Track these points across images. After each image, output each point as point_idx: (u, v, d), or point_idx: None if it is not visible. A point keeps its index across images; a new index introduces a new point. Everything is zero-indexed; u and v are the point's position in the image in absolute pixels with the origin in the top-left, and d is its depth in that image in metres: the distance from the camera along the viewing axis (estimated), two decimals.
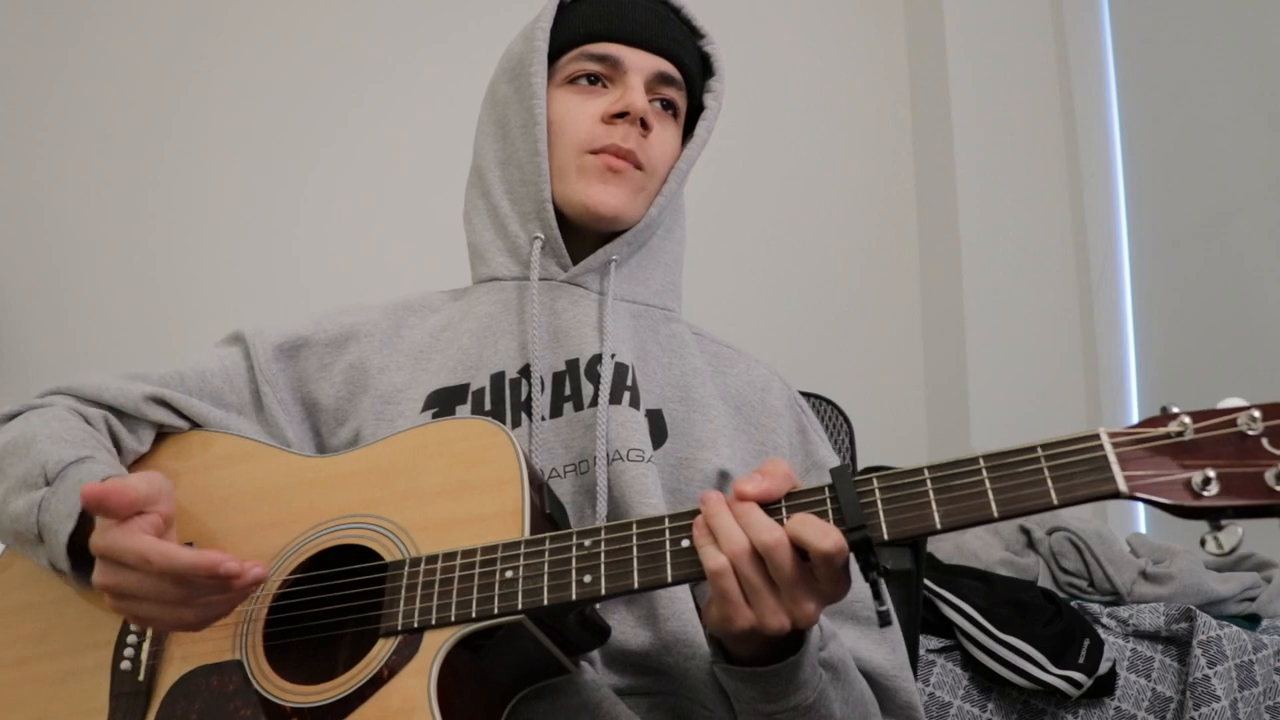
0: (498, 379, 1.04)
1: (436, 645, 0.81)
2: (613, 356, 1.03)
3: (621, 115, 1.06)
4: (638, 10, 1.12)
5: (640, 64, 1.09)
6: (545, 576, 0.81)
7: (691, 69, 1.13)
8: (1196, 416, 0.70)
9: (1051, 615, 1.92)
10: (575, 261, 1.09)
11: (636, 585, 0.79)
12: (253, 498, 0.95)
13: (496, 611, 0.81)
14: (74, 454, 0.92)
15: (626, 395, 1.02)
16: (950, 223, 2.92)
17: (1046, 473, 0.72)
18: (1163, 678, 1.90)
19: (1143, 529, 2.51)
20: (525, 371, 1.04)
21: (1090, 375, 2.83)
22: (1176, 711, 1.87)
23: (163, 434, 1.04)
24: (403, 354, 1.09)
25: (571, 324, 1.05)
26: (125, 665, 0.90)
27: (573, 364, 1.04)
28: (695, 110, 1.15)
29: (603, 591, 0.79)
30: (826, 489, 0.78)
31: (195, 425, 1.04)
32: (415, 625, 0.83)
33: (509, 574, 0.81)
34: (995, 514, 0.73)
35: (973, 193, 2.91)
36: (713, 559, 0.77)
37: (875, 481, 0.77)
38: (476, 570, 0.83)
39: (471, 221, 1.15)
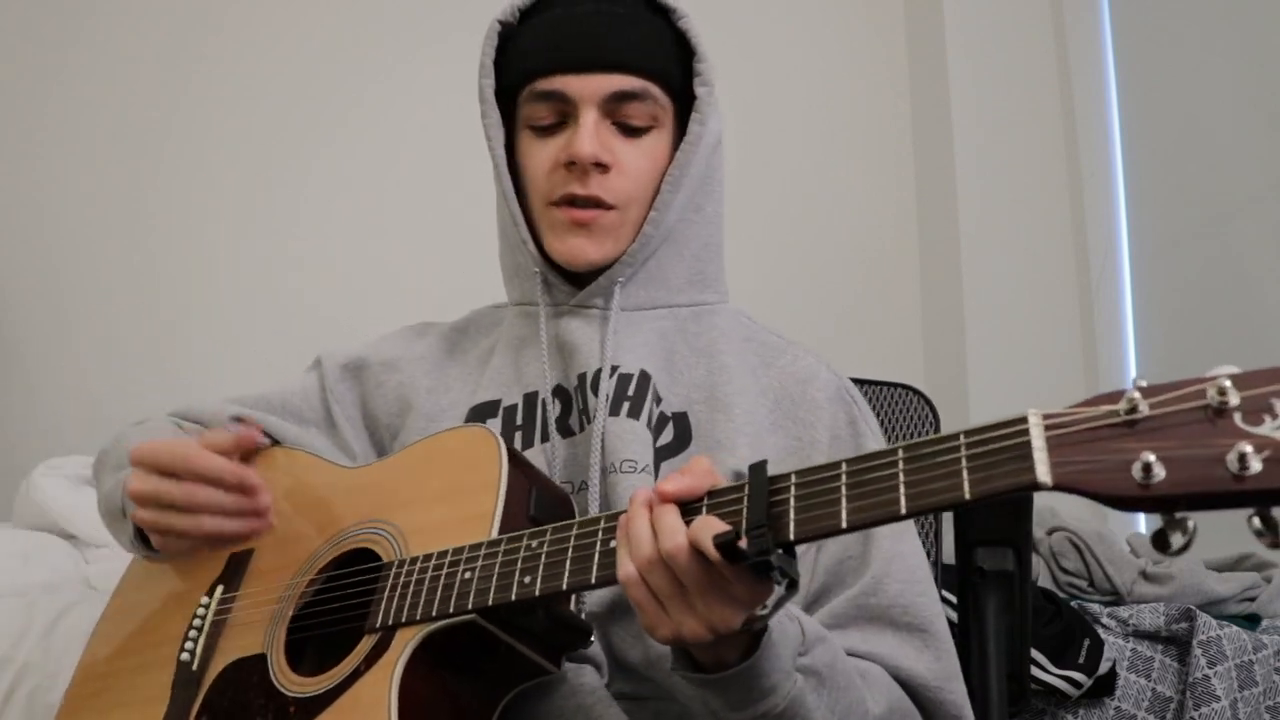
0: (530, 399, 1.06)
1: (404, 643, 0.84)
2: (614, 369, 1.04)
3: (572, 163, 1.02)
4: (579, 24, 1.04)
5: (590, 92, 1.03)
6: (494, 578, 0.82)
7: (658, 66, 1.06)
8: (1150, 391, 0.58)
9: (1051, 615, 1.92)
10: (590, 279, 1.08)
11: (565, 586, 0.78)
12: (306, 506, 1.04)
13: (451, 611, 0.83)
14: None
15: (626, 405, 1.02)
16: (950, 223, 2.91)
17: (964, 463, 0.63)
18: (1163, 678, 1.90)
19: (1143, 529, 2.51)
20: (554, 392, 1.06)
21: (1090, 375, 2.82)
22: (1176, 711, 1.87)
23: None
24: (451, 377, 1.13)
25: (581, 341, 1.06)
26: (185, 657, 0.99)
27: (581, 379, 1.05)
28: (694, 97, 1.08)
29: (536, 592, 0.79)
30: (745, 487, 0.73)
31: (275, 441, 1.13)
32: (390, 623, 0.86)
33: (467, 575, 0.83)
34: (903, 510, 0.64)
35: (973, 193, 2.90)
36: (622, 568, 0.74)
37: (794, 477, 0.71)
38: (444, 571, 0.85)
39: (500, 245, 1.17)
